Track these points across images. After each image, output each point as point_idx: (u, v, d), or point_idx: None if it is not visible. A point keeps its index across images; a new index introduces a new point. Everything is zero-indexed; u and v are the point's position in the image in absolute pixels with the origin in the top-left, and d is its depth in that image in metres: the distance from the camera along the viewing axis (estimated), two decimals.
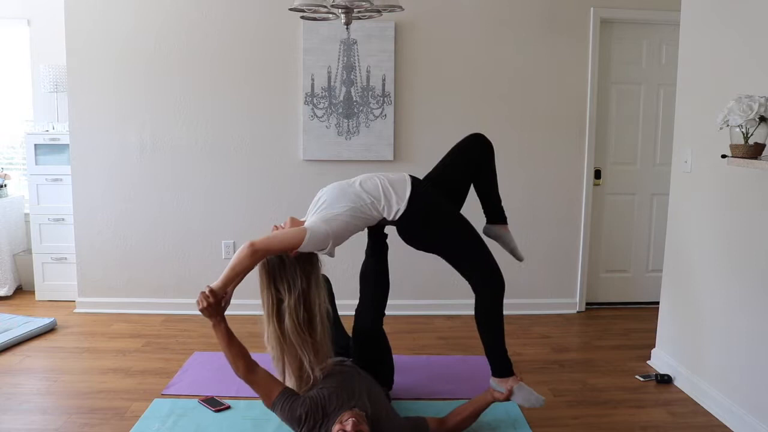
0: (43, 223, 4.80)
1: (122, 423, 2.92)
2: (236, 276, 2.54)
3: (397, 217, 2.77)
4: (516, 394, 2.81)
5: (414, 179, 2.87)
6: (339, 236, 2.65)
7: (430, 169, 3.04)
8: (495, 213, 3.07)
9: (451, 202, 2.91)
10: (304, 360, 2.59)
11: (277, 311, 2.60)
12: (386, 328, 3.21)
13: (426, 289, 4.65)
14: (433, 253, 2.90)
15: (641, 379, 3.53)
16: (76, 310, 4.62)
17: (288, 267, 2.60)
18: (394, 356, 3.20)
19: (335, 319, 3.15)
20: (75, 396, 3.21)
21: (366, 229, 3.00)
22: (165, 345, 3.97)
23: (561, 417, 3.07)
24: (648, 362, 3.76)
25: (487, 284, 2.82)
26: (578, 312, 4.77)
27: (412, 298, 4.67)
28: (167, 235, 4.59)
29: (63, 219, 4.76)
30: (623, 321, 4.56)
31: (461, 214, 2.91)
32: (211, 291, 2.50)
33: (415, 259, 4.59)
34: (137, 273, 4.62)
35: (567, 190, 4.69)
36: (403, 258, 4.58)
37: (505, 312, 2.83)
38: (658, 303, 3.79)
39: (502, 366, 2.85)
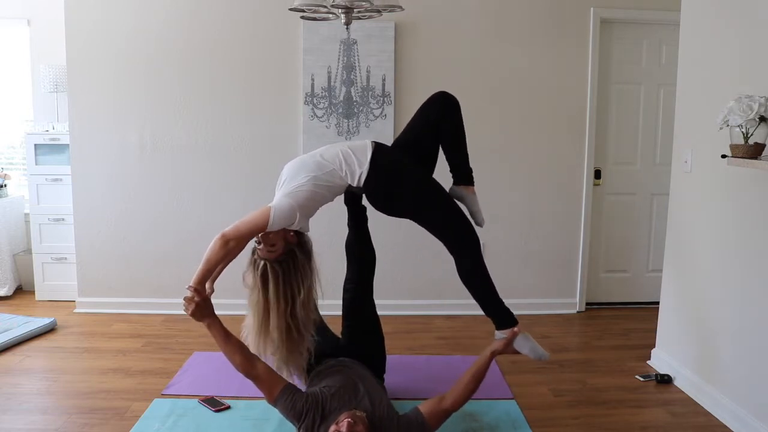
0: (43, 223, 4.80)
1: (122, 423, 2.92)
2: (212, 268, 2.55)
3: (361, 183, 2.72)
4: (521, 343, 2.75)
5: (377, 144, 2.82)
6: (305, 207, 2.64)
7: None
8: (460, 173, 2.95)
9: (418, 164, 2.85)
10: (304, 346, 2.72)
11: (291, 310, 2.66)
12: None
13: (426, 289, 4.65)
14: (404, 217, 2.84)
15: (641, 379, 3.53)
16: (76, 310, 4.62)
17: (298, 264, 2.68)
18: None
19: (322, 323, 3.16)
20: (75, 396, 3.21)
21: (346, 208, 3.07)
22: (165, 345, 3.97)
23: (561, 417, 3.07)
24: (648, 362, 3.76)
25: (464, 245, 2.76)
26: (578, 312, 4.77)
27: (412, 298, 4.67)
28: (167, 235, 4.59)
29: (63, 219, 4.76)
30: (623, 321, 4.56)
31: (429, 176, 2.86)
32: (195, 289, 2.52)
33: (415, 259, 4.60)
34: (137, 273, 4.62)
35: (567, 190, 4.69)
36: (403, 258, 4.61)
37: None
38: (658, 303, 3.79)
39: (503, 317, 2.80)
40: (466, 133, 2.97)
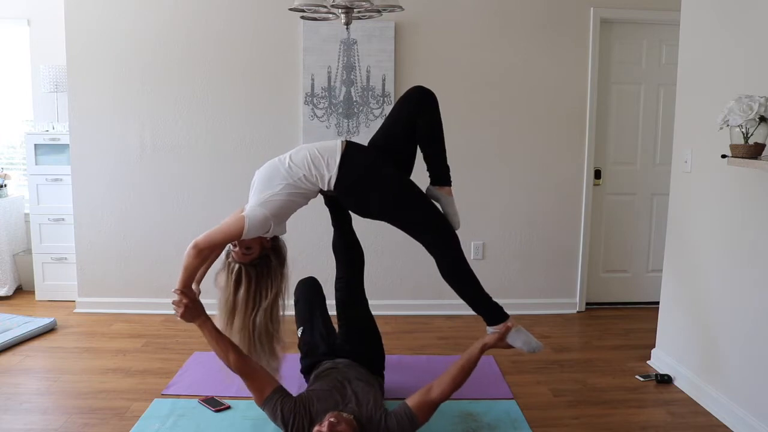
0: (43, 223, 4.80)
1: (122, 423, 2.92)
2: (191, 275, 2.58)
3: (332, 186, 2.67)
4: (514, 336, 2.71)
5: (349, 144, 2.74)
6: (279, 215, 2.62)
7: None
8: (436, 172, 2.83)
9: (394, 164, 2.75)
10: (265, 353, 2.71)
11: (254, 314, 2.66)
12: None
13: (426, 289, 4.65)
14: (379, 219, 2.77)
15: (641, 379, 3.53)
16: (76, 310, 4.62)
17: (271, 270, 2.69)
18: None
19: (326, 318, 3.16)
20: (75, 396, 3.21)
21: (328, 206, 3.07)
22: (165, 345, 3.97)
23: (561, 417, 3.07)
24: (648, 362, 3.76)
25: (444, 245, 2.69)
26: (578, 312, 4.77)
27: (412, 298, 4.67)
28: (167, 235, 4.58)
29: (63, 219, 4.76)
30: (623, 321, 4.56)
31: (402, 175, 2.76)
32: (182, 292, 2.56)
33: (414, 259, 4.60)
34: (137, 273, 4.62)
35: (567, 190, 4.68)
36: (403, 258, 4.61)
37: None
38: (658, 303, 3.79)
39: (493, 312, 2.75)
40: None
